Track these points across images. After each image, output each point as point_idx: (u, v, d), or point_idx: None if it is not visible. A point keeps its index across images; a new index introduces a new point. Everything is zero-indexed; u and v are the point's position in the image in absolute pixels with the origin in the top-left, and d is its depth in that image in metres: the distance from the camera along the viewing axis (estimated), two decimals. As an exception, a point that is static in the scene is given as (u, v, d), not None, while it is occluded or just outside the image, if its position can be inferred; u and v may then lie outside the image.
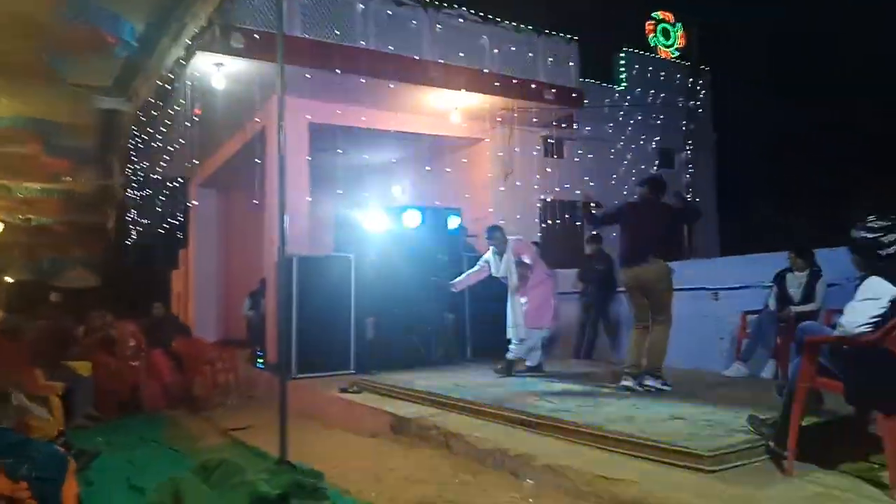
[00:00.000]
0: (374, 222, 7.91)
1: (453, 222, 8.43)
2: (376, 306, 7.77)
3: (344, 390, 6.34)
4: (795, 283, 5.88)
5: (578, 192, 10.96)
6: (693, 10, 14.22)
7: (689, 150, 13.46)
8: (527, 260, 6.62)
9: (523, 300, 6.61)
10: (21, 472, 2.70)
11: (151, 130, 9.64)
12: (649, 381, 5.26)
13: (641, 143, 12.84)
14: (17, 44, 7.21)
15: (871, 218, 3.34)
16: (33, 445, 2.90)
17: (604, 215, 5.97)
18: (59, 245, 19.01)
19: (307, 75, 7.68)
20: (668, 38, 14.28)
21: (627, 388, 5.25)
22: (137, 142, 10.38)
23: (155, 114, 9.05)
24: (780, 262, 6.18)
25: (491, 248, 6.77)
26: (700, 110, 13.68)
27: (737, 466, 3.39)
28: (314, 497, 3.60)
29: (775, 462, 3.43)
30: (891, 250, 3.27)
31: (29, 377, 4.82)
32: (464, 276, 6.96)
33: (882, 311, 3.14)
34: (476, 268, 6.91)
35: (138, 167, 11.35)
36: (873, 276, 3.24)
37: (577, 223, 11.09)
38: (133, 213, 12.73)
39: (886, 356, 3.07)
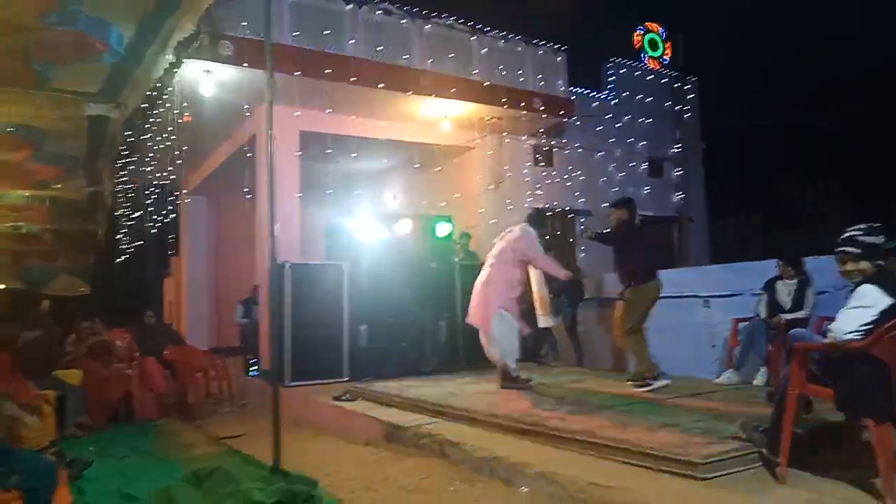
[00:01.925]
0: (366, 230, 7.92)
1: (444, 229, 8.45)
2: (369, 314, 7.77)
3: (337, 398, 6.32)
4: (785, 291, 5.94)
5: (569, 203, 11.05)
6: (680, 20, 14.38)
7: (677, 159, 13.58)
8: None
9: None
10: (11, 481, 2.68)
11: (141, 137, 9.60)
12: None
13: (630, 152, 12.94)
14: (4, 48, 7.16)
15: (869, 225, 3.38)
16: (22, 455, 2.88)
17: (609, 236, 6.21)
18: (48, 253, 18.79)
19: (297, 83, 7.69)
20: (655, 49, 14.41)
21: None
22: (127, 149, 10.32)
23: (144, 121, 9.01)
24: (770, 270, 6.25)
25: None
26: (688, 119, 13.80)
27: (729, 474, 3.41)
28: (309, 506, 3.59)
29: (768, 469, 3.45)
30: (887, 258, 3.32)
31: (20, 386, 4.78)
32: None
33: (873, 318, 3.17)
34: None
35: (128, 174, 11.29)
36: (866, 284, 3.27)
37: (567, 231, 11.17)
38: (123, 221, 12.65)
39: (876, 364, 3.10)
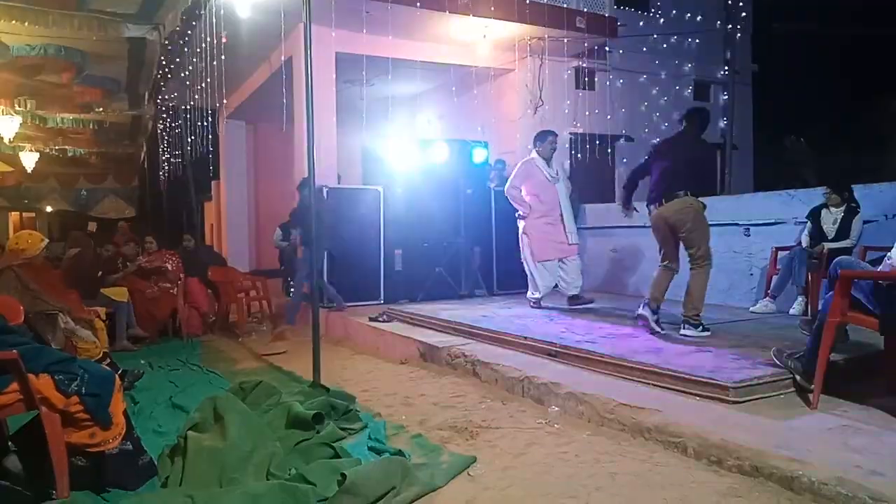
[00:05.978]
0: (402, 155, 7.88)
1: (480, 155, 8.35)
2: (404, 238, 7.83)
3: (374, 319, 6.48)
4: (831, 220, 5.76)
5: (611, 128, 10.76)
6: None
7: (725, 82, 13.02)
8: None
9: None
10: (72, 387, 2.83)
11: (179, 61, 9.58)
12: (688, 331, 4.82)
13: (676, 75, 12.43)
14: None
15: None
16: (81, 363, 3.03)
17: (633, 174, 5.47)
18: (93, 175, 19.29)
19: (332, 3, 7.51)
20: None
21: (641, 317, 5.01)
22: (166, 72, 10.34)
23: (182, 43, 8.97)
24: (814, 198, 6.06)
25: (538, 154, 6.59)
26: (739, 40, 13.12)
27: (761, 398, 3.42)
28: (347, 418, 3.74)
29: (801, 396, 3.45)
30: None
31: (74, 301, 5.01)
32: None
33: None
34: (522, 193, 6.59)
35: (167, 98, 11.36)
36: None
37: (609, 156, 10.95)
38: (164, 145, 12.83)
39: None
